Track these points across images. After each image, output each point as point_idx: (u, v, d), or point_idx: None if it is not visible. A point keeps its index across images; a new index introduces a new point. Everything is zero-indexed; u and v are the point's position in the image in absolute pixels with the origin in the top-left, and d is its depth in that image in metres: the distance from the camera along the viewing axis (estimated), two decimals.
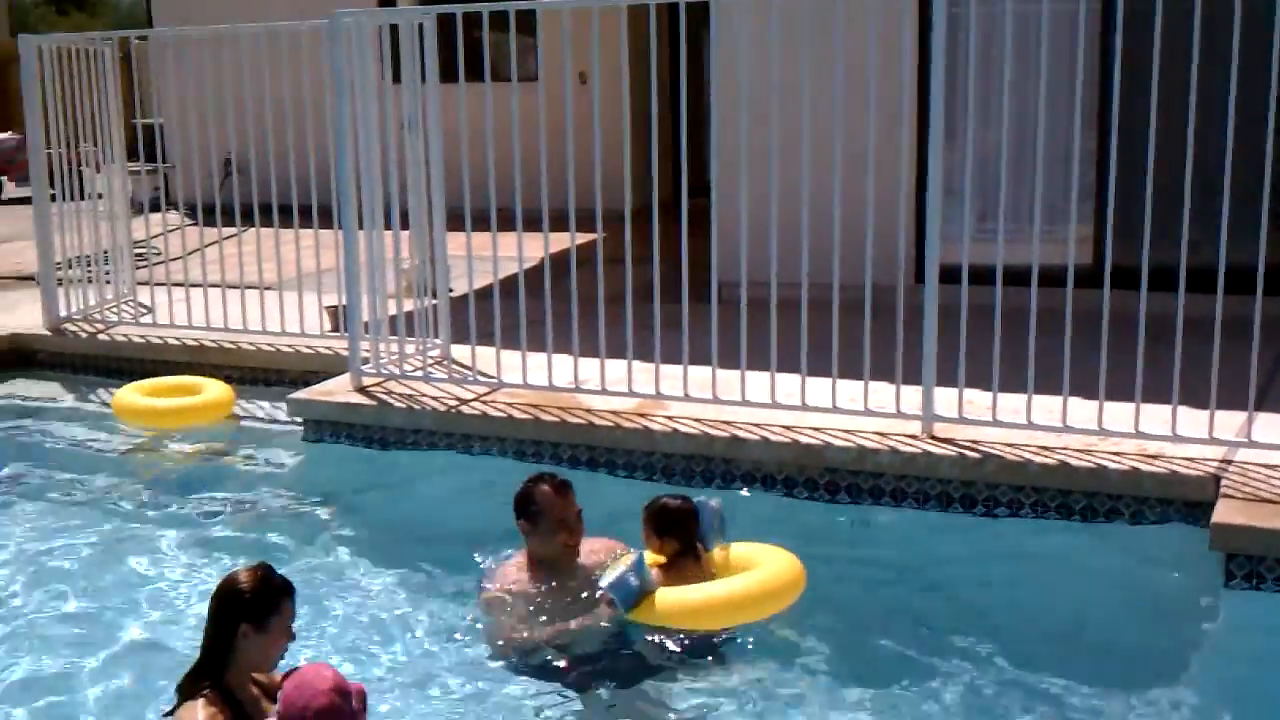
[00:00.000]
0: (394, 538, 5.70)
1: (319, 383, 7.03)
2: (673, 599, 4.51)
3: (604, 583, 4.45)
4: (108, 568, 5.37)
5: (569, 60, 6.23)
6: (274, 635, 3.73)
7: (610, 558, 4.67)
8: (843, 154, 5.65)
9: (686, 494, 4.92)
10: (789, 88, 5.72)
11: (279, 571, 3.82)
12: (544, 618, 4.57)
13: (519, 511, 4.77)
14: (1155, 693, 4.25)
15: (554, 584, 4.68)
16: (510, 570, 4.77)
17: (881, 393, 5.81)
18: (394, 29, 6.87)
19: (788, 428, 5.82)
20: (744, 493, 5.70)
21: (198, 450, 7.03)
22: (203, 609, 3.88)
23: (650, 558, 4.71)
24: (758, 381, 6.00)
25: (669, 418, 6.06)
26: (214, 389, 7.34)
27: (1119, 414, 5.37)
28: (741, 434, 5.83)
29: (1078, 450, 5.35)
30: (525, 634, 4.53)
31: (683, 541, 4.71)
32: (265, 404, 7.53)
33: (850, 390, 5.85)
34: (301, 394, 6.84)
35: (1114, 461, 5.22)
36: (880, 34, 5.58)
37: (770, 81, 5.70)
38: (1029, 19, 5.59)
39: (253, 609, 3.69)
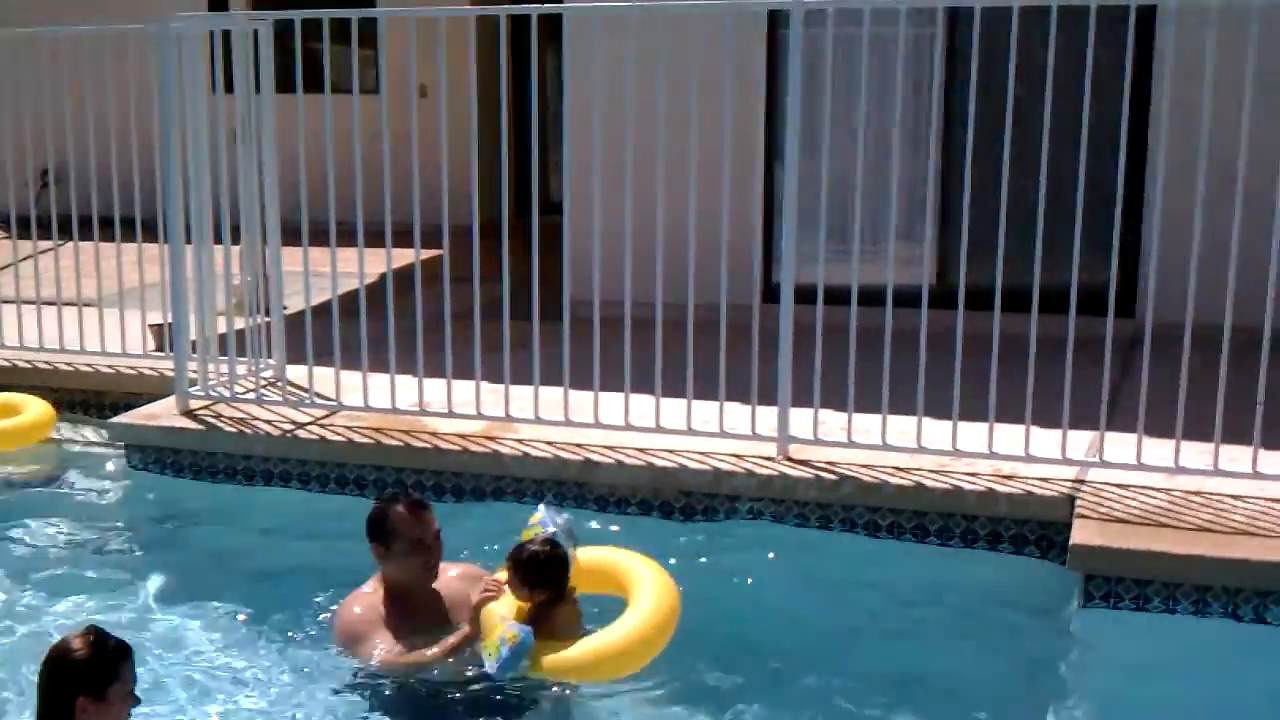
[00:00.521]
0: (229, 573, 5.33)
1: (143, 405, 6.63)
2: (557, 660, 4.20)
3: (492, 669, 4.13)
4: None
5: (413, 71, 6.00)
6: (115, 704, 3.41)
7: (503, 632, 4.17)
8: (697, 172, 5.54)
9: (544, 526, 4.45)
10: (642, 105, 5.59)
11: (107, 628, 3.49)
12: (401, 646, 4.32)
13: (371, 534, 4.49)
14: (1014, 716, 4.21)
15: (411, 610, 4.42)
16: (363, 598, 4.50)
17: (737, 414, 5.70)
18: (226, 35, 6.53)
19: (642, 450, 5.67)
20: (593, 524, 5.48)
21: (12, 477, 6.56)
22: (14, 658, 3.54)
23: (512, 604, 4.36)
24: (611, 403, 5.84)
25: (519, 440, 5.86)
26: (34, 407, 6.89)
27: (973, 434, 5.36)
28: (595, 457, 5.66)
29: (933, 470, 5.32)
30: (382, 659, 4.28)
31: (556, 589, 4.36)
32: (86, 430, 7.08)
33: (706, 412, 5.74)
34: (123, 418, 6.44)
35: (969, 482, 5.21)
36: (735, 57, 5.50)
37: (623, 98, 5.56)
38: (882, 41, 5.58)
39: (89, 679, 3.36)
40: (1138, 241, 7.02)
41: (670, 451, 5.65)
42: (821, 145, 5.44)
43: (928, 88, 5.47)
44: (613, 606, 4.42)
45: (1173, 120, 5.24)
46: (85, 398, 7.31)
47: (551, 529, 4.42)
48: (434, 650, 4.30)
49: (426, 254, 6.34)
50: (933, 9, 6.37)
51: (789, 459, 5.53)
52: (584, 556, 4.52)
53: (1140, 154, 6.23)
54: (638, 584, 4.42)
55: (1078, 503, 4.95)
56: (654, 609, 4.31)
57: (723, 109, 5.54)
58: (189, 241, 6.42)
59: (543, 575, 4.34)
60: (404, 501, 4.54)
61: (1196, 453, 5.11)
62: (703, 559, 5.19)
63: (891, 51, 5.37)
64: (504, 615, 4.27)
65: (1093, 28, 5.00)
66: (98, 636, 3.46)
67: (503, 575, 4.43)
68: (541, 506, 4.57)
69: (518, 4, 6.30)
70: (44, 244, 7.77)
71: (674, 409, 5.77)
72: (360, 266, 6.22)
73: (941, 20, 6.82)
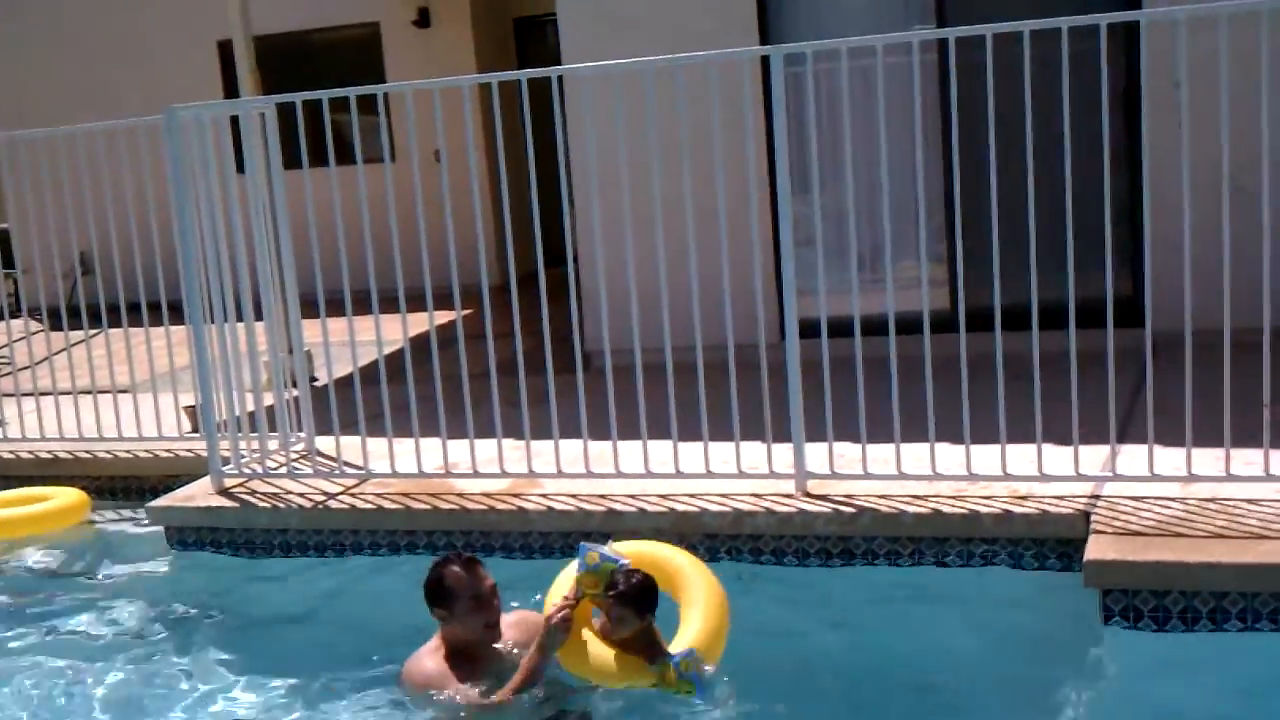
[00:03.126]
0: (280, 643, 5.46)
1: (181, 487, 6.79)
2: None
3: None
4: None
5: (414, 140, 6.14)
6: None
7: (674, 666, 4.31)
8: (696, 216, 5.63)
9: (612, 561, 4.57)
10: (638, 155, 5.70)
11: (161, 708, 3.62)
12: (477, 691, 4.43)
13: (432, 599, 4.58)
14: None
15: (475, 664, 4.51)
16: (431, 654, 4.57)
17: (754, 453, 5.77)
18: (235, 119, 6.72)
19: (663, 496, 5.75)
20: None
21: (57, 563, 6.73)
22: None
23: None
24: (630, 451, 5.92)
25: (543, 496, 5.95)
26: (65, 494, 7.10)
27: (987, 457, 5.39)
28: (617, 506, 5.74)
29: (949, 496, 5.36)
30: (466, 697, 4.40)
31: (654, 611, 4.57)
32: (127, 512, 7.25)
33: (723, 453, 5.81)
34: (161, 501, 6.59)
35: (985, 505, 5.24)
36: (723, 96, 5.59)
37: (619, 150, 5.68)
38: (868, 73, 5.64)
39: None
40: (1140, 251, 7.02)
41: (691, 495, 5.72)
42: (812, 181, 5.51)
43: (920, 114, 5.51)
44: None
45: (1159, 124, 5.27)
46: (126, 483, 7.49)
47: (623, 561, 4.57)
48: (512, 684, 4.41)
49: (442, 317, 6.47)
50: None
51: (807, 494, 5.58)
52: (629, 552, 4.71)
53: (1135, 162, 6.23)
54: (685, 580, 4.67)
55: (1093, 518, 4.97)
56: (714, 600, 4.60)
57: (712, 153, 5.62)
58: (213, 321, 6.59)
59: (652, 597, 4.51)
60: (457, 561, 4.62)
61: (1209, 459, 5.11)
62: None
63: (887, 80, 5.42)
64: (625, 659, 4.42)
65: (1104, 45, 5.05)
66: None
67: (558, 597, 4.56)
68: (589, 547, 4.63)
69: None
70: (81, 334, 7.97)
71: (692, 452, 5.85)
72: (378, 334, 6.35)
73: (931, 47, 6.92)
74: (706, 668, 4.36)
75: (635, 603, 4.46)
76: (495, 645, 4.61)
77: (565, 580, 4.69)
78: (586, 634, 4.54)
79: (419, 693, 4.55)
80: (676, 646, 4.42)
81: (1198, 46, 5.03)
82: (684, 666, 4.31)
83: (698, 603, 4.60)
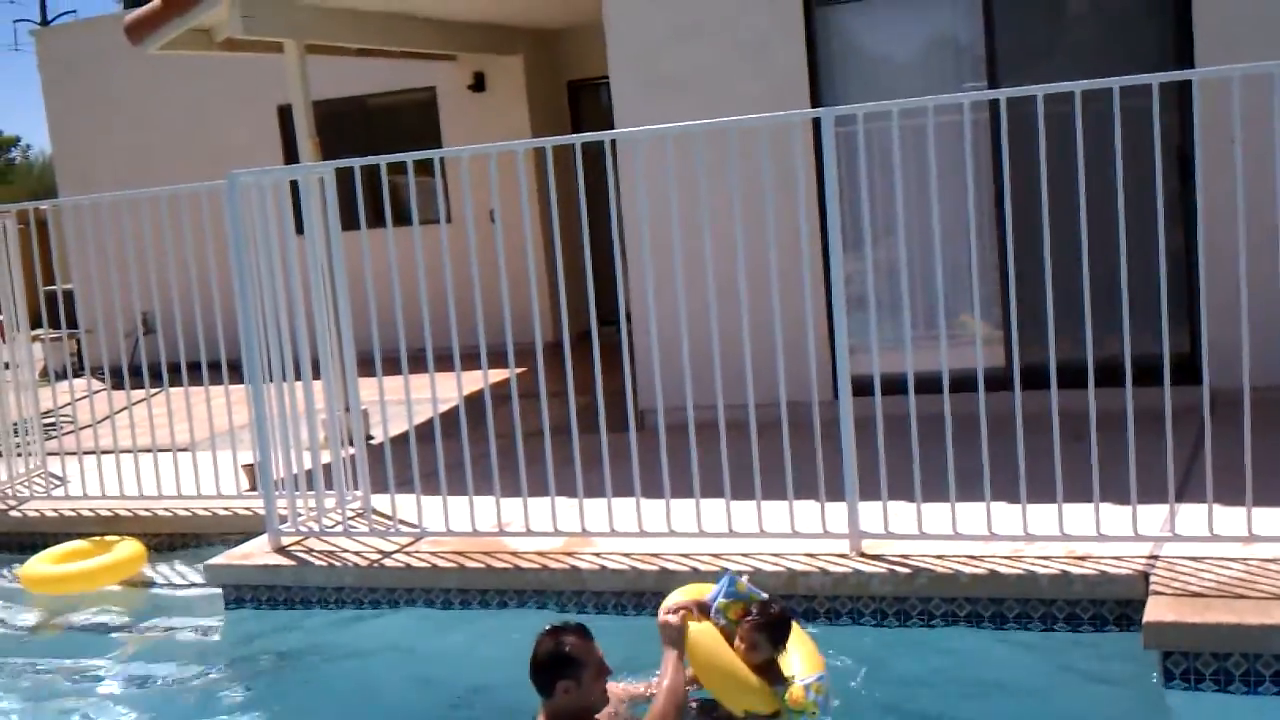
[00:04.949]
0: (339, 707, 5.47)
1: (239, 544, 6.86)
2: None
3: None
4: None
5: (468, 201, 6.23)
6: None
7: (807, 691, 4.55)
8: (748, 274, 5.66)
9: (756, 593, 4.82)
10: (690, 216, 5.75)
11: None
12: None
13: (558, 674, 4.46)
14: None
15: None
16: None
17: (807, 511, 5.75)
18: (294, 182, 6.84)
19: (716, 555, 5.74)
20: None
21: (117, 621, 6.81)
22: None
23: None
24: (683, 510, 5.92)
25: (596, 554, 5.96)
26: (124, 546, 7.21)
27: (1043, 516, 5.35)
28: (670, 566, 5.74)
29: (1006, 557, 5.31)
30: None
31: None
32: (185, 569, 7.33)
33: (776, 512, 5.79)
34: (219, 559, 6.66)
35: (1042, 566, 5.19)
36: (774, 156, 5.64)
37: (671, 210, 5.73)
38: (919, 132, 5.66)
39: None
40: (1196, 308, 6.97)
41: (745, 555, 5.70)
42: (864, 238, 5.53)
43: (972, 171, 5.53)
44: None
45: (1214, 180, 5.24)
46: (184, 540, 7.58)
47: (764, 594, 4.80)
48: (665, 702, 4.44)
49: (496, 375, 6.51)
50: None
51: (862, 554, 5.56)
52: None
53: (1190, 218, 6.21)
54: None
55: (1152, 579, 4.91)
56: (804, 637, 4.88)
57: (765, 213, 5.66)
58: (271, 380, 6.69)
59: (789, 630, 4.72)
60: (572, 632, 4.55)
61: (1270, 519, 5.04)
62: None
63: (939, 139, 5.44)
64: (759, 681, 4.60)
65: (1156, 102, 5.06)
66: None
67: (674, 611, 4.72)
68: (737, 575, 4.88)
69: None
70: (141, 394, 8.10)
71: (745, 511, 5.84)
72: (433, 393, 6.40)
73: (983, 106, 6.93)
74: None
75: (774, 631, 4.65)
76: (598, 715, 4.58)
77: (682, 594, 4.89)
78: (727, 650, 4.68)
79: None
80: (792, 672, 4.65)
81: (1251, 103, 5.01)
82: (815, 690, 4.54)
83: (794, 636, 4.79)
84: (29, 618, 6.99)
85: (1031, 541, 5.35)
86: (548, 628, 4.59)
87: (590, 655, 4.50)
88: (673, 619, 4.67)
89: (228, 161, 7.15)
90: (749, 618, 4.68)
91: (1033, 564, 5.21)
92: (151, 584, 7.23)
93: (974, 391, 5.39)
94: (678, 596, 4.88)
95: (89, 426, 8.61)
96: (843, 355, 5.61)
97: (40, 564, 7.18)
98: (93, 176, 14.25)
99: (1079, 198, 5.33)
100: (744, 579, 4.82)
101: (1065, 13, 8.18)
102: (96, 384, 9.39)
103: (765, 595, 4.80)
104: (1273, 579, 4.78)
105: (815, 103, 8.09)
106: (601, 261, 6.27)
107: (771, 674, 4.65)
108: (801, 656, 4.74)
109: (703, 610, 4.78)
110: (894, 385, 5.58)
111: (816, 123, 6.48)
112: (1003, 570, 5.21)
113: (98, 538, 7.44)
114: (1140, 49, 7.73)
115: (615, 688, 4.70)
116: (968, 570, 5.26)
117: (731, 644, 4.68)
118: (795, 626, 4.84)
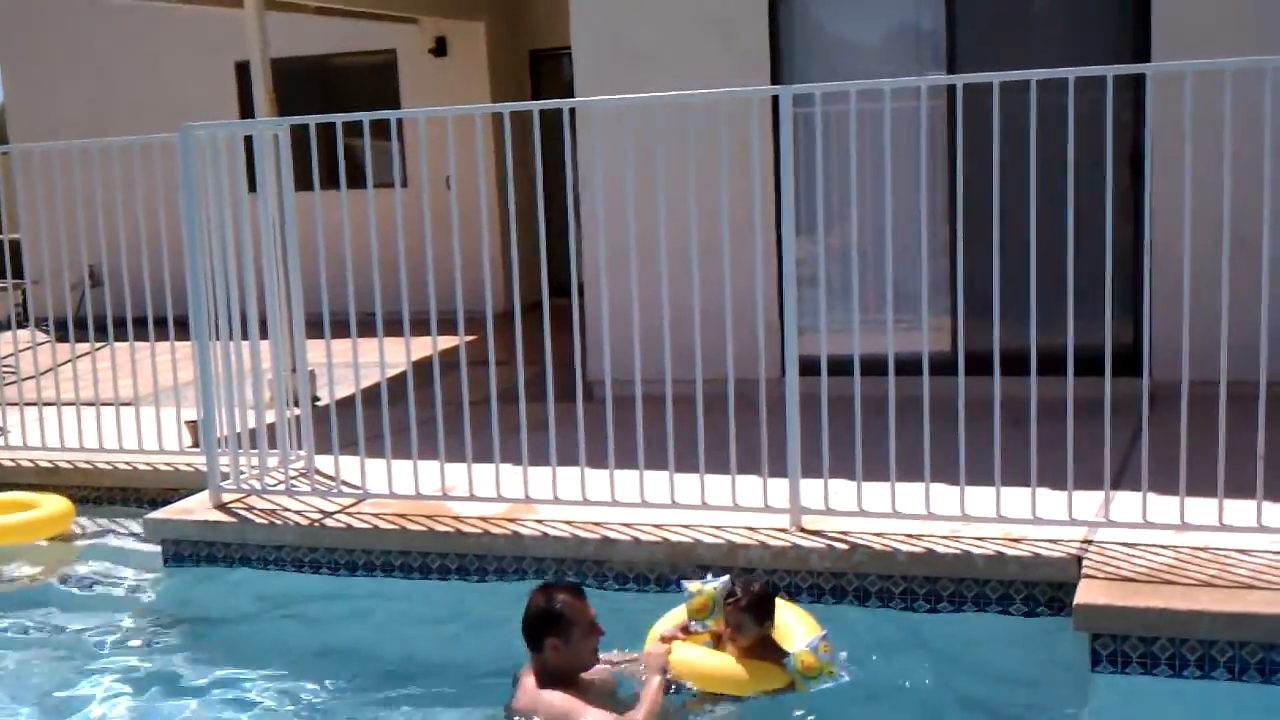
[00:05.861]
0: (277, 664, 5.43)
1: (179, 500, 6.82)
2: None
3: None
4: None
5: (425, 166, 6.21)
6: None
7: (817, 656, 4.63)
8: (700, 250, 5.69)
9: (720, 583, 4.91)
10: (645, 189, 5.76)
11: None
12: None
13: (547, 630, 4.50)
14: None
15: (591, 698, 4.49)
16: (549, 698, 4.44)
17: (750, 486, 5.80)
18: (249, 139, 6.79)
19: (658, 526, 5.78)
20: (612, 600, 5.57)
21: (51, 574, 6.75)
22: None
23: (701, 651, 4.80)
24: (626, 480, 5.95)
25: (538, 521, 5.98)
26: (50, 502, 7.14)
27: (982, 498, 5.42)
28: (612, 534, 5.77)
29: (943, 537, 5.38)
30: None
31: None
32: (124, 523, 7.28)
33: (719, 485, 5.84)
34: (158, 514, 6.62)
35: (978, 547, 5.26)
36: (732, 133, 5.66)
37: (626, 183, 5.74)
38: (876, 116, 5.70)
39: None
40: (1140, 301, 7.09)
41: (685, 526, 5.74)
42: (817, 220, 5.57)
43: (926, 158, 5.58)
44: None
45: (1163, 175, 5.32)
46: (124, 494, 7.53)
47: (722, 579, 4.91)
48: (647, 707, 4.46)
49: (448, 341, 6.52)
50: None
51: (802, 529, 5.61)
52: None
53: (1138, 213, 6.32)
54: None
55: (1084, 563, 4.99)
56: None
57: (719, 188, 5.69)
58: (218, 338, 6.64)
59: (770, 604, 4.77)
60: (564, 589, 4.60)
61: (1203, 509, 5.13)
62: None
63: (895, 124, 5.48)
64: (755, 665, 4.68)
65: (1110, 96, 5.12)
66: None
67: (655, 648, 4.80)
68: (685, 580, 5.03)
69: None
70: (87, 347, 8.01)
71: (688, 484, 5.88)
72: (381, 357, 6.39)
73: (941, 93, 6.98)
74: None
75: (755, 610, 4.71)
76: (585, 674, 4.61)
77: (662, 623, 4.98)
78: (711, 650, 4.80)
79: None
80: (790, 645, 4.72)
81: (1202, 100, 5.08)
82: (823, 649, 4.61)
83: (783, 607, 4.90)
84: None
85: (969, 522, 5.43)
86: (541, 583, 4.67)
87: (581, 615, 4.54)
88: (656, 648, 4.75)
89: (184, 117, 7.06)
90: (729, 601, 4.76)
91: (969, 544, 5.28)
92: (91, 537, 7.16)
93: (919, 375, 5.45)
94: (660, 627, 4.96)
95: (31, 378, 8.52)
96: (791, 334, 5.65)
97: None
98: (46, 128, 14.04)
99: (1030, 188, 5.38)
100: (692, 580, 4.97)
101: (1027, 7, 8.25)
102: (41, 336, 9.30)
103: (723, 579, 4.88)
104: (1202, 566, 4.87)
105: (776, 81, 8.12)
106: (556, 232, 6.28)
107: (771, 651, 4.72)
108: (798, 625, 4.85)
109: (686, 629, 4.91)
110: (840, 366, 5.63)
111: (776, 101, 6.52)
112: (939, 549, 5.28)
113: (18, 495, 7.35)
114: (1100, 46, 7.82)
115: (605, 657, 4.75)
116: (905, 549, 5.32)
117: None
118: (784, 601, 4.94)
